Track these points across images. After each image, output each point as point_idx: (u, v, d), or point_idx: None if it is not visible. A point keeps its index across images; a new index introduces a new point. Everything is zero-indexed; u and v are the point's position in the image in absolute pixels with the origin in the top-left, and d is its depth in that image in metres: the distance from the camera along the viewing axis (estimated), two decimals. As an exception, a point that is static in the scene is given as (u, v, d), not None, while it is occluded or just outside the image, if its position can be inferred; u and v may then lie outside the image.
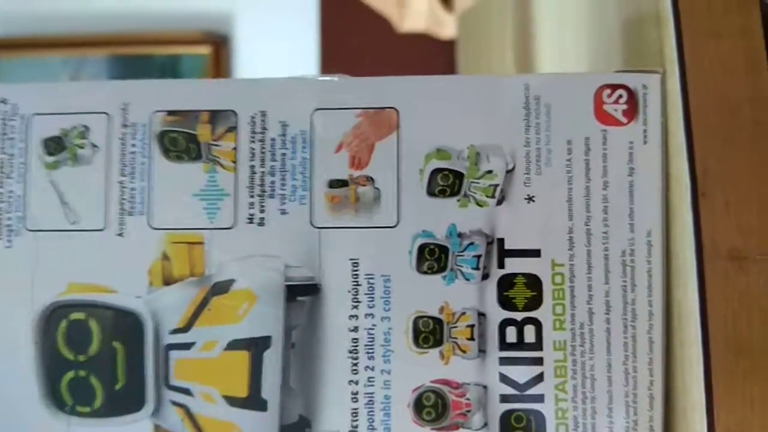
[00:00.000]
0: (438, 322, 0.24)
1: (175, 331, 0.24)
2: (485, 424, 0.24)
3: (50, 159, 0.25)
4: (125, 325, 0.24)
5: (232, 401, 0.24)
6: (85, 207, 0.25)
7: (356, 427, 0.24)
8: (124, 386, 0.24)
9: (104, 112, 0.25)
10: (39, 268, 0.25)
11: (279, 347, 0.24)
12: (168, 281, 0.24)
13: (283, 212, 0.25)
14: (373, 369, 0.24)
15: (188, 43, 1.34)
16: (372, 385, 0.24)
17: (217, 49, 1.35)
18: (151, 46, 1.34)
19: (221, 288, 0.24)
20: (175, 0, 1.33)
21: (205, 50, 1.35)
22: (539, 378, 0.24)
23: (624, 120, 0.25)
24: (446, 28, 1.00)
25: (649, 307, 0.25)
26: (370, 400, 0.24)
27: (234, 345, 0.24)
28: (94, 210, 0.25)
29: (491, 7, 0.73)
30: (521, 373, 0.24)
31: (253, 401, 0.24)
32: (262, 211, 0.25)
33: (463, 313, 0.24)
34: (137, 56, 1.33)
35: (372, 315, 0.24)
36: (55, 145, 0.25)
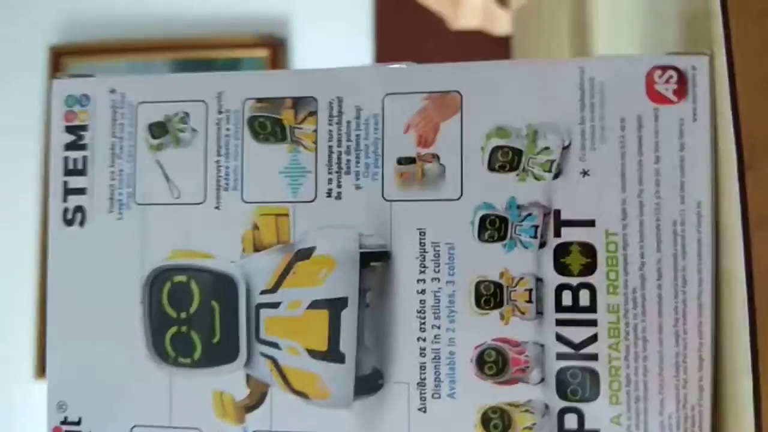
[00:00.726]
0: (498, 286, 0.27)
1: (265, 292, 0.28)
2: (542, 380, 0.26)
3: (155, 141, 0.29)
4: (221, 286, 0.28)
5: (314, 354, 0.27)
6: (187, 183, 0.28)
7: (424, 379, 0.27)
8: (221, 340, 0.28)
9: (202, 100, 0.28)
10: (146, 237, 0.28)
11: (354, 307, 0.27)
12: (258, 248, 0.28)
13: (358, 187, 0.28)
14: (439, 327, 0.27)
15: (247, 46, 1.40)
16: (438, 342, 0.27)
17: (274, 52, 1.40)
18: (212, 50, 1.39)
19: (304, 254, 0.27)
20: (235, 6, 1.39)
21: (263, 53, 1.40)
22: (593, 338, 0.26)
23: (674, 99, 0.27)
24: (500, 24, 1.02)
25: (699, 274, 0.26)
26: (437, 356, 0.27)
27: (315, 304, 0.27)
28: (194, 186, 0.28)
29: (545, 2, 0.74)
30: (576, 334, 0.26)
31: (333, 354, 0.27)
32: (339, 187, 0.28)
33: (522, 278, 0.27)
34: (199, 60, 1.39)
35: (438, 279, 0.27)
36: (159, 130, 0.29)
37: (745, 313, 0.25)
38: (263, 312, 0.28)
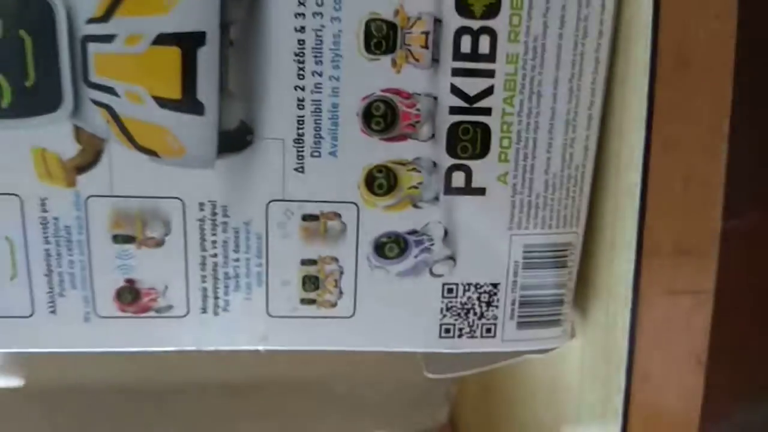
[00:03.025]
0: (392, 26, 0.23)
1: (93, 21, 0.21)
2: (433, 136, 0.24)
3: None
4: (32, 11, 0.20)
5: (164, 103, 0.22)
6: None
7: (302, 134, 0.23)
8: (36, 83, 0.21)
9: None
10: None
11: (215, 44, 0.22)
12: (79, -43, 0.20)
13: None
14: (321, 74, 0.23)
15: None
16: (319, 92, 0.23)
17: None
18: None
19: (145, -29, 0.21)
20: None
21: None
22: (489, 91, 0.24)
23: None
24: None
25: (600, 25, 0.24)
26: (317, 108, 0.23)
27: (162, 39, 0.21)
28: None
29: None
30: (472, 85, 0.24)
31: (188, 103, 0.22)
32: None
33: (419, 18, 0.23)
34: None
35: (321, 14, 0.22)
36: None
37: (646, 62, 0.23)
38: (92, 47, 0.21)
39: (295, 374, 0.45)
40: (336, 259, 0.24)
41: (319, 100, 0.23)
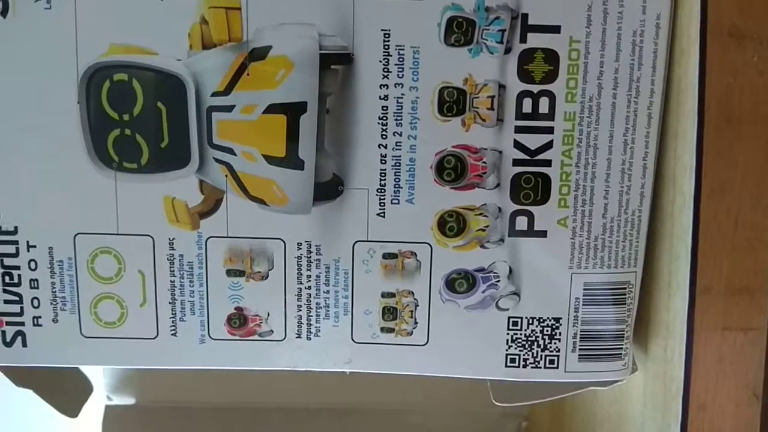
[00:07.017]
0: (462, 92, 0.26)
1: (216, 94, 0.26)
2: (498, 185, 0.27)
3: None
4: (167, 87, 0.26)
5: (272, 160, 0.26)
6: (122, -32, 0.25)
7: (384, 185, 0.27)
8: (169, 144, 0.26)
9: None
10: (80, 28, 0.25)
11: (314, 112, 0.26)
12: (207, 45, 0.25)
13: None
14: (400, 135, 0.27)
15: None
16: (399, 149, 0.27)
17: None
18: None
19: (259, 54, 0.26)
20: None
21: None
22: (549, 145, 0.27)
23: None
24: None
25: (652, 85, 0.27)
26: (397, 163, 0.27)
27: (272, 109, 0.26)
28: (131, -29, 0.25)
29: None
30: (533, 140, 0.27)
31: (291, 160, 0.26)
32: None
33: (485, 85, 0.26)
34: None
35: (401, 84, 0.26)
36: None
37: (694, 118, 0.26)
38: (215, 115, 0.26)
39: (374, 402, 0.48)
40: (412, 293, 0.28)
41: (399, 156, 0.27)
